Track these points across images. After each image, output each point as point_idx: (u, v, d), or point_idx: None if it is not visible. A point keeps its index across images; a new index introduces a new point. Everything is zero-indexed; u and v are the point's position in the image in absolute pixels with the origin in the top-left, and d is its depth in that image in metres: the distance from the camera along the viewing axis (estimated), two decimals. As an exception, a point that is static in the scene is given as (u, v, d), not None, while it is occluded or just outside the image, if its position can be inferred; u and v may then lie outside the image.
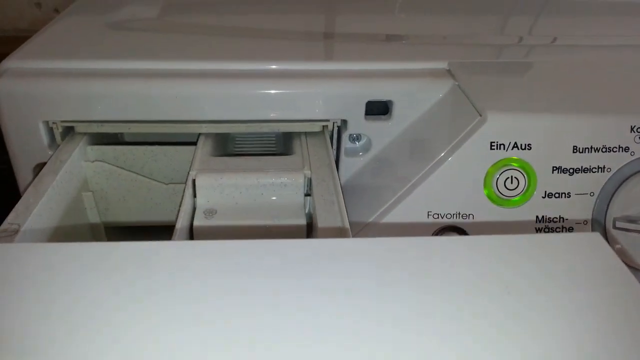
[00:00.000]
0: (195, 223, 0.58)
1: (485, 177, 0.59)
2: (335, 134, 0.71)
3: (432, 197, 0.60)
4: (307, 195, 0.62)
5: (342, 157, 0.72)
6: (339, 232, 0.52)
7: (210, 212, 0.60)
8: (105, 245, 0.38)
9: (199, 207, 0.60)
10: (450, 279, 0.34)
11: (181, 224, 0.56)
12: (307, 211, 0.62)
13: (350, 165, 0.72)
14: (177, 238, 0.53)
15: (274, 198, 0.62)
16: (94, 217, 0.68)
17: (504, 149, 0.57)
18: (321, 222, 0.53)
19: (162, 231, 0.72)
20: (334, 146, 0.72)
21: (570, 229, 0.59)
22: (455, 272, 0.35)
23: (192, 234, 0.58)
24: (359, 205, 0.66)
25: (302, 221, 0.59)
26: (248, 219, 0.59)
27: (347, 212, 0.56)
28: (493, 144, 0.58)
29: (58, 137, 0.67)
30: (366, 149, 0.71)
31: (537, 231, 0.59)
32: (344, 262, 0.36)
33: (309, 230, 0.59)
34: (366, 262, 0.36)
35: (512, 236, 0.38)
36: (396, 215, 0.60)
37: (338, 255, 0.37)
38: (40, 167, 0.65)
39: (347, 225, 0.50)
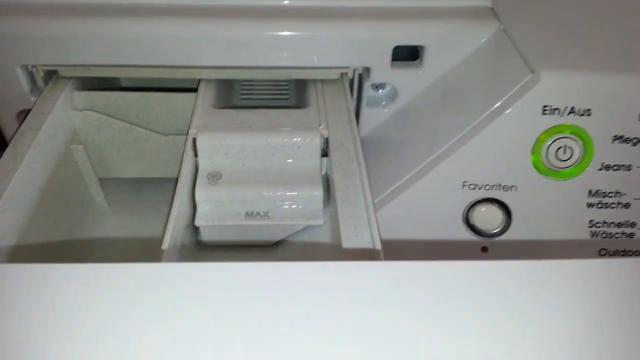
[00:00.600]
0: (198, 190, 0.51)
1: (535, 144, 0.50)
2: (356, 82, 0.62)
3: (469, 165, 0.52)
4: (324, 155, 0.55)
5: (363, 107, 0.64)
6: (365, 232, 0.45)
7: (214, 177, 0.52)
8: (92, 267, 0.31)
9: (202, 169, 0.53)
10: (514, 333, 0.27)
11: (181, 191, 0.49)
12: (323, 173, 0.55)
13: (372, 117, 0.63)
14: (177, 207, 0.47)
15: (286, 160, 0.54)
16: (87, 172, 0.61)
17: (559, 114, 0.49)
18: (340, 202, 0.45)
19: (163, 184, 0.65)
20: (354, 95, 0.64)
21: (627, 205, 0.52)
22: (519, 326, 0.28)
23: (194, 198, 0.51)
24: (380, 166, 0.58)
25: (318, 188, 0.51)
26: (257, 185, 0.52)
27: (368, 178, 0.48)
28: (546, 108, 0.49)
29: (40, 82, 0.58)
30: (391, 98, 0.62)
31: (588, 206, 0.52)
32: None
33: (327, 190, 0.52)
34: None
35: (581, 262, 0.31)
36: (425, 185, 0.53)
37: (367, 283, 0.30)
38: (24, 114, 0.57)
39: (374, 220, 0.42)
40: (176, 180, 0.50)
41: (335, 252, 0.43)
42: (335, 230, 0.45)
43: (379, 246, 0.39)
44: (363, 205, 0.45)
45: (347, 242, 0.41)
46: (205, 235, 0.52)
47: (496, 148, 0.51)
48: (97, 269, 0.31)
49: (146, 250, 0.60)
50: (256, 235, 0.53)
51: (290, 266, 0.31)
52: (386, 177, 0.56)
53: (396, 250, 0.55)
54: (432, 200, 0.53)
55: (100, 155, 0.62)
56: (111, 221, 0.63)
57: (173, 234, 0.43)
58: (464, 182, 0.52)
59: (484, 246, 0.55)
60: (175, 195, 0.47)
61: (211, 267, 0.31)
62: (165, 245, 0.40)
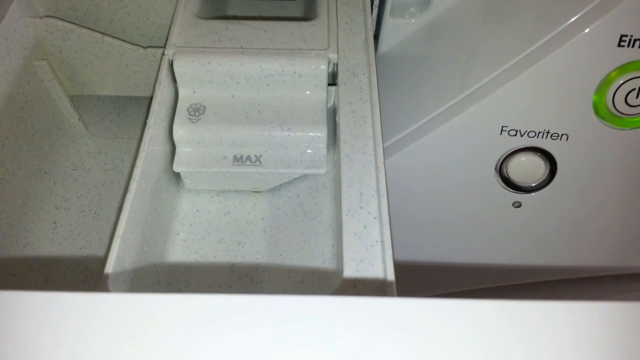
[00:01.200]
0: (177, 128, 0.42)
1: (601, 83, 0.39)
2: (378, -14, 0.50)
3: (514, 105, 0.41)
4: (331, 84, 0.44)
5: (386, 17, 0.51)
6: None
7: (196, 111, 0.43)
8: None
9: (182, 101, 0.44)
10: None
11: (154, 128, 0.40)
12: (330, 105, 0.45)
13: (396, 30, 0.52)
14: (147, 144, 0.38)
15: (285, 92, 0.44)
16: (55, 90, 0.52)
17: (641, 47, 0.37)
18: (345, 171, 0.36)
19: (142, 104, 0.56)
20: (375, 2, 0.51)
21: None
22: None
23: (172, 136, 0.42)
24: (402, 96, 0.48)
25: (322, 129, 0.42)
26: (248, 124, 0.43)
27: (381, 122, 0.39)
28: (624, 38, 0.37)
29: (-13, -19, 0.47)
30: (422, 6, 0.50)
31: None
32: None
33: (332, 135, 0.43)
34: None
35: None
36: (455, 127, 0.43)
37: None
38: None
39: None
40: (147, 112, 0.41)
41: (334, 277, 0.34)
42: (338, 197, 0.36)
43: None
44: (375, 200, 0.35)
45: (351, 268, 0.32)
46: (187, 182, 0.44)
47: (552, 84, 0.40)
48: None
49: (125, 177, 0.52)
50: (246, 183, 0.45)
51: (284, 301, 0.23)
52: (408, 111, 0.46)
53: (413, 206, 0.46)
54: (461, 146, 0.44)
55: (70, 70, 0.53)
56: (89, 146, 0.55)
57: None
58: (504, 126, 0.42)
59: (517, 201, 0.46)
60: (147, 127, 0.38)
61: (176, 300, 0.24)
62: (109, 268, 0.32)
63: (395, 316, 0.23)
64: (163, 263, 0.41)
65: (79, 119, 0.55)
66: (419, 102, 0.46)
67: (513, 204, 0.46)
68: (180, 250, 0.43)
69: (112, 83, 0.55)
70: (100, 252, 0.48)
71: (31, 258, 0.47)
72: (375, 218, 0.34)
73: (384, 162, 0.35)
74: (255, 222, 0.44)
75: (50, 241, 0.48)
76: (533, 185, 0.45)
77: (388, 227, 0.33)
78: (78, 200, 0.51)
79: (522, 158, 0.44)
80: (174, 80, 0.44)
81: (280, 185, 0.45)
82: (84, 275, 0.47)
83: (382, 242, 0.32)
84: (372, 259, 0.32)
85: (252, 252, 0.43)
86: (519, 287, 0.51)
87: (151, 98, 0.42)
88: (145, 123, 0.39)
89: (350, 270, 0.31)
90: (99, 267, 0.47)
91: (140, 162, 0.36)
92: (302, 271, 0.40)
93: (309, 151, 0.43)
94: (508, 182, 0.45)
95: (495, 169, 0.45)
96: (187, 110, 0.43)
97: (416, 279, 0.52)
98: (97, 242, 0.49)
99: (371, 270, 0.31)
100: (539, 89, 0.41)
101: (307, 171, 0.42)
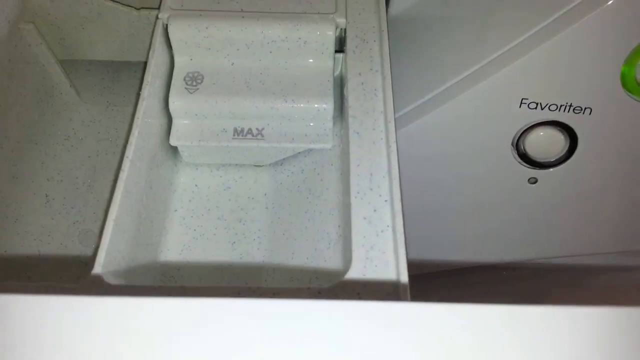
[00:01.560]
0: (173, 98, 0.39)
1: (632, 54, 0.36)
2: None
3: (536, 76, 0.39)
4: (338, 51, 0.41)
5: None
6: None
7: (193, 80, 0.40)
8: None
9: (178, 69, 0.41)
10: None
11: (148, 99, 0.37)
12: (337, 73, 0.42)
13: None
14: (141, 118, 0.35)
15: (288, 60, 0.41)
16: (44, 55, 0.49)
17: (680, 15, 0.34)
18: (354, 149, 0.33)
19: (137, 69, 0.53)
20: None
21: None
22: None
23: (168, 108, 0.39)
24: (416, 63, 0.44)
25: (328, 100, 0.39)
26: (249, 94, 0.40)
27: (393, 91, 0.36)
28: (663, 4, 0.34)
29: None
30: (435, -35, 0.46)
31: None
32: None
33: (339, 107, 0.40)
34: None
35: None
36: (471, 97, 0.40)
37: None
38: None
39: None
40: (140, 81, 0.38)
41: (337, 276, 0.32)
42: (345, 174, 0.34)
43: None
44: (386, 182, 0.32)
45: (359, 268, 0.29)
46: (185, 156, 0.42)
47: (578, 54, 0.37)
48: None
49: (119, 147, 0.50)
50: (247, 157, 0.42)
51: (293, 306, 0.21)
52: (421, 80, 0.43)
53: (423, 181, 0.44)
54: (477, 119, 0.41)
55: (59, 34, 0.49)
56: (81, 114, 0.52)
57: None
58: (524, 99, 0.39)
59: (533, 177, 0.44)
60: (141, 100, 0.35)
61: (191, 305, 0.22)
62: (101, 257, 0.30)
63: (407, 319, 0.21)
64: (161, 242, 0.39)
65: (70, 86, 0.52)
66: (433, 70, 0.43)
67: (529, 180, 0.44)
68: (179, 227, 0.41)
69: (104, 47, 0.51)
70: (96, 227, 0.46)
71: (23, 233, 0.45)
72: (386, 201, 0.31)
73: (396, 138, 0.33)
74: (256, 198, 0.42)
75: (43, 215, 0.46)
76: (551, 160, 0.43)
77: (400, 211, 0.30)
78: (71, 172, 0.49)
79: (541, 132, 0.41)
80: (169, 47, 0.41)
81: (283, 159, 0.43)
82: (79, 250, 0.45)
83: (394, 227, 0.30)
84: (382, 245, 0.30)
85: (254, 230, 0.41)
86: (530, 271, 0.49)
87: (145, 65, 0.39)
88: (138, 95, 0.36)
89: (360, 258, 0.29)
90: (94, 242, 0.45)
91: (133, 139, 0.34)
92: (306, 252, 0.38)
93: (314, 124, 0.40)
94: (524, 157, 0.43)
95: (512, 144, 0.42)
96: (184, 79, 0.40)
97: (425, 251, 0.50)
98: (92, 215, 0.47)
99: (381, 257, 0.29)
100: (563, 59, 0.38)
101: (312, 146, 0.40)
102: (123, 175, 0.32)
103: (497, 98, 0.40)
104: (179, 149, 0.41)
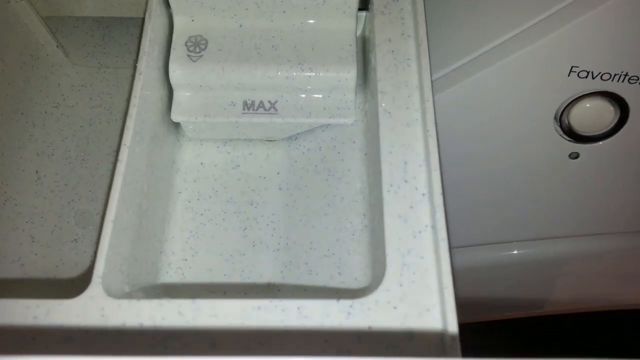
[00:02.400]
0: (173, 67, 0.34)
1: None
2: None
3: (588, 42, 0.34)
4: (361, 9, 0.36)
5: None
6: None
7: (196, 45, 0.35)
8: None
9: (179, 32, 0.36)
10: None
11: (145, 67, 0.32)
12: (359, 33, 0.37)
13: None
14: (139, 97, 0.31)
15: (305, 20, 0.36)
16: (25, 12, 0.43)
17: None
18: (385, 132, 0.29)
19: (137, 24, 0.48)
20: None
21: None
22: None
23: (168, 77, 0.35)
24: (452, 24, 0.39)
25: (351, 68, 0.34)
26: (260, 62, 0.35)
27: (430, 62, 0.31)
28: None
29: None
30: None
31: None
32: None
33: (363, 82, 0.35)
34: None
35: None
36: (515, 63, 0.35)
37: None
38: None
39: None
40: (137, 49, 0.33)
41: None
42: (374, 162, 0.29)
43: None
44: (424, 172, 0.28)
45: (395, 276, 0.25)
46: (189, 131, 0.37)
47: (631, 20, 0.32)
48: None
49: (114, 115, 0.45)
50: (257, 132, 0.38)
51: None
52: (458, 41, 0.38)
53: (456, 151, 0.40)
54: (519, 87, 0.36)
55: (41, -14, 0.43)
56: (71, 77, 0.47)
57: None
58: (574, 67, 0.34)
59: (575, 152, 0.39)
60: (133, 92, 0.31)
61: None
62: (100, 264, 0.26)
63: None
64: (165, 230, 0.35)
65: (57, 46, 0.47)
66: (470, 31, 0.37)
67: (570, 155, 0.39)
68: (184, 212, 0.37)
69: (93, 1, 0.46)
70: (92, 207, 0.42)
71: (13, 216, 0.41)
72: (423, 195, 0.27)
73: (435, 118, 0.28)
74: (269, 177, 0.38)
75: (34, 194, 0.42)
76: (597, 134, 0.39)
77: (442, 207, 0.26)
78: (62, 144, 0.45)
79: (588, 104, 0.37)
80: (168, 5, 0.35)
81: (298, 133, 0.38)
82: (75, 234, 0.41)
83: (435, 227, 0.26)
84: (421, 249, 0.26)
85: (267, 214, 0.37)
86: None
87: (140, 29, 0.33)
88: (135, 67, 0.31)
89: (395, 264, 0.26)
90: (91, 223, 0.41)
91: (131, 123, 0.29)
92: (326, 242, 0.34)
93: (333, 96, 0.35)
94: (568, 131, 0.38)
95: (555, 116, 0.38)
96: (185, 45, 0.35)
97: (458, 232, 0.47)
98: (88, 193, 0.43)
99: (420, 264, 0.26)
100: (621, 24, 0.33)
101: (331, 121, 0.35)
102: (121, 167, 0.28)
103: (544, 65, 0.35)
104: (182, 124, 0.36)
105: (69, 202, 0.42)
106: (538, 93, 0.36)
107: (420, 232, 0.26)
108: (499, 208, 0.43)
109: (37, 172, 0.43)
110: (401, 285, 0.25)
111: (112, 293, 0.26)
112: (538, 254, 0.45)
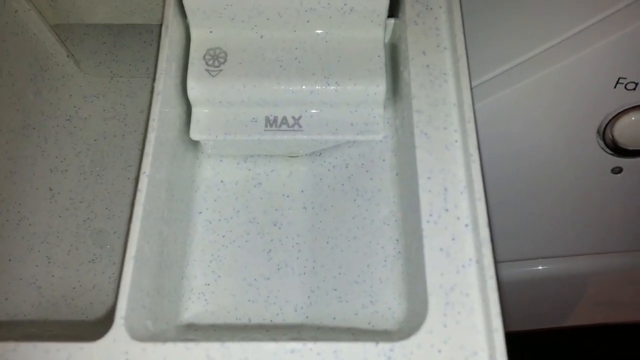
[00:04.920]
0: (191, 83, 0.32)
1: None
2: None
3: (633, 54, 0.31)
4: (391, 16, 0.34)
5: None
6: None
7: (215, 58, 0.33)
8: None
9: (197, 45, 0.34)
10: None
11: (162, 84, 0.30)
12: (387, 41, 0.35)
13: None
14: (157, 120, 0.29)
15: (330, 31, 0.34)
16: (34, 22, 0.42)
17: None
18: (422, 155, 0.27)
19: (153, 31, 0.46)
20: None
21: None
22: None
23: (186, 93, 0.33)
24: (486, 22, 0.37)
25: (380, 81, 0.32)
26: (284, 77, 0.33)
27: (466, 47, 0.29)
28: None
29: None
30: None
31: None
32: None
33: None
34: None
35: None
36: (557, 74, 0.33)
37: None
38: None
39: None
40: (155, 66, 0.31)
41: None
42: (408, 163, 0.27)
43: (498, 322, 0.22)
44: (466, 199, 0.26)
45: (438, 316, 0.23)
46: (208, 148, 0.35)
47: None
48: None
49: (129, 127, 0.43)
50: (280, 149, 0.36)
51: None
52: (496, 49, 0.35)
53: (495, 162, 0.38)
54: (561, 98, 0.34)
55: (50, -4, 0.42)
56: (83, 88, 0.46)
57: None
58: (621, 78, 0.32)
59: (618, 167, 0.37)
60: (155, 90, 0.29)
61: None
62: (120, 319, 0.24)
63: None
64: (186, 253, 0.34)
65: (67, 55, 0.45)
66: (511, 37, 0.35)
67: (612, 170, 0.37)
68: (205, 233, 0.35)
69: (104, 8, 0.44)
70: (109, 225, 0.41)
71: (28, 236, 0.39)
72: (467, 226, 0.25)
73: (478, 142, 0.26)
74: (292, 196, 0.36)
75: (49, 213, 0.40)
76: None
77: (488, 240, 0.24)
78: (76, 159, 0.43)
79: (633, 117, 0.34)
80: (184, 15, 0.33)
81: (322, 149, 0.36)
82: (92, 254, 0.40)
83: (480, 262, 0.24)
84: (465, 286, 0.24)
85: (292, 236, 0.35)
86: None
87: (158, 45, 0.32)
88: (152, 87, 0.29)
89: (437, 303, 0.24)
90: (109, 242, 0.40)
91: (150, 148, 0.27)
92: (356, 268, 0.32)
93: (361, 111, 0.33)
94: (611, 145, 0.36)
95: (597, 129, 0.35)
96: (204, 58, 0.33)
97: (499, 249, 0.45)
98: (104, 211, 0.41)
99: (465, 302, 0.24)
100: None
101: (359, 137, 0.33)
102: (141, 197, 0.26)
103: (589, 76, 0.33)
104: (201, 142, 0.34)
105: (84, 221, 0.41)
106: (581, 105, 0.34)
107: (464, 266, 0.24)
108: (537, 223, 0.41)
109: (50, 190, 0.41)
110: (445, 326, 0.23)
111: (135, 334, 0.25)
112: (576, 269, 0.43)
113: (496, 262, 0.24)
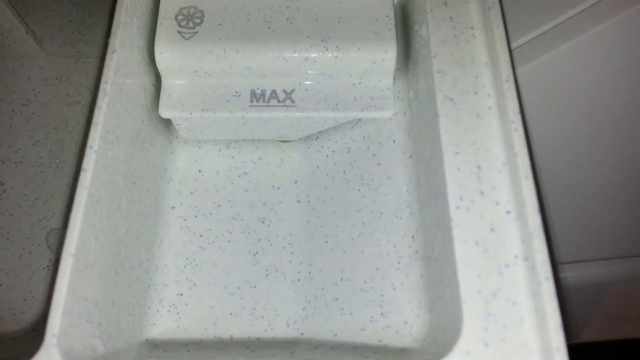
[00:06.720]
0: (160, 48, 0.27)
1: None
2: None
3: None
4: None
5: None
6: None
7: (189, 19, 0.27)
8: None
9: (167, 2, 0.28)
10: None
11: (120, 37, 0.24)
12: (396, 1, 0.29)
13: None
14: (111, 81, 0.23)
15: (327, -14, 0.28)
16: (-16, -10, 0.36)
17: None
18: (448, 125, 0.21)
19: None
20: None
21: None
22: None
23: (154, 61, 0.27)
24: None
25: (390, 46, 0.26)
26: (273, 41, 0.27)
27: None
28: None
29: None
30: None
31: None
32: None
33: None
34: None
35: None
36: (598, 36, 0.27)
37: None
38: None
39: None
40: (108, 23, 0.25)
41: None
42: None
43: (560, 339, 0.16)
44: (506, 179, 0.20)
45: (478, 330, 0.18)
46: (182, 131, 0.29)
47: None
48: None
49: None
50: (269, 131, 0.30)
51: None
52: (538, 4, 0.29)
53: (543, 140, 0.32)
54: (611, 62, 0.28)
55: (3, -41, 0.36)
56: (44, 70, 0.40)
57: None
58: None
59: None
60: (104, 74, 0.23)
61: None
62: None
63: None
64: (154, 255, 0.28)
65: (26, 32, 0.39)
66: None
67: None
68: (179, 233, 0.29)
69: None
70: (68, 225, 0.34)
71: (-30, 238, 0.33)
72: (508, 213, 0.19)
73: (521, 108, 0.21)
74: (284, 187, 0.30)
75: (-3, 211, 0.34)
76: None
77: (541, 231, 0.18)
78: (33, 149, 0.37)
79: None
80: (152, -31, 0.28)
81: (320, 131, 0.30)
82: (47, 259, 0.33)
83: (531, 259, 0.18)
84: (512, 291, 0.18)
85: (283, 234, 0.29)
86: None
87: (115, -1, 0.26)
88: (106, 44, 0.24)
89: (475, 314, 0.18)
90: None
91: (100, 117, 0.21)
92: (362, 272, 0.26)
93: (366, 82, 0.28)
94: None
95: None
96: (176, 18, 0.27)
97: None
98: (63, 209, 0.35)
99: (512, 313, 0.18)
100: None
101: (364, 115, 0.27)
102: (85, 179, 0.20)
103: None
104: (173, 121, 0.28)
105: (40, 221, 0.34)
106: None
107: (507, 266, 0.19)
108: (587, 214, 0.35)
109: (2, 184, 0.35)
110: (487, 344, 0.17)
111: (73, 357, 0.19)
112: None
113: (554, 260, 0.18)
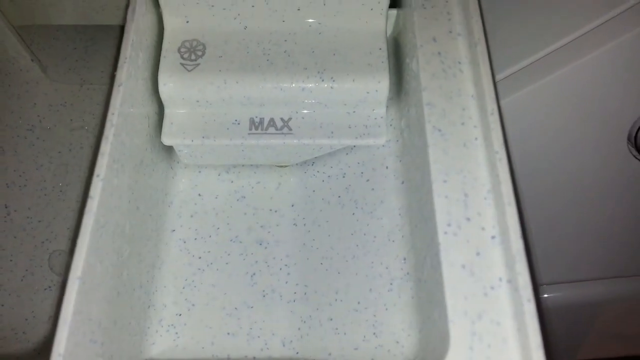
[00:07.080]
0: (164, 78, 0.28)
1: None
2: None
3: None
4: (392, 5, 0.30)
5: None
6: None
7: (191, 51, 0.29)
8: None
9: (171, 36, 0.29)
10: None
11: (127, 71, 0.25)
12: (389, 35, 0.31)
13: None
14: (117, 113, 0.24)
15: (323, 19, 0.29)
16: (-7, 20, 0.37)
17: None
18: (436, 154, 0.22)
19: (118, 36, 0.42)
20: None
21: None
22: None
23: (157, 91, 0.28)
24: (505, 10, 0.33)
25: (382, 77, 0.28)
26: (271, 72, 0.28)
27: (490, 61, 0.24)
28: None
29: None
30: None
31: None
32: None
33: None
34: None
35: None
36: (585, 67, 0.29)
37: None
38: None
39: None
40: (115, 55, 0.26)
41: None
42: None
43: None
44: (491, 206, 0.22)
45: (462, 351, 0.19)
46: (184, 157, 0.31)
47: None
48: None
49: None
50: (267, 157, 0.31)
51: None
52: (518, 39, 0.31)
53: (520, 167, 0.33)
54: (588, 97, 0.30)
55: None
56: (49, 96, 0.41)
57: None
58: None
59: (650, 175, 0.33)
60: (111, 105, 0.24)
61: None
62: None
63: None
64: (154, 277, 0.29)
65: (32, 60, 0.41)
66: (534, 27, 0.31)
67: (644, 179, 0.33)
68: (178, 254, 0.30)
69: (73, 7, 0.40)
70: (70, 247, 0.35)
71: (-26, 260, 0.34)
72: (493, 238, 0.21)
73: (505, 139, 0.22)
74: (281, 211, 0.31)
75: (2, 234, 0.35)
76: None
77: (523, 255, 0.20)
78: (37, 173, 0.38)
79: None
80: (157, 4, 0.29)
81: (316, 157, 0.32)
82: (49, 280, 0.34)
83: (514, 282, 0.19)
84: (496, 312, 0.19)
85: (280, 256, 0.30)
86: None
87: (121, 32, 0.27)
88: (113, 76, 0.25)
89: (461, 334, 0.19)
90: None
91: (107, 147, 0.22)
92: (357, 293, 0.27)
93: (360, 111, 0.29)
94: (641, 150, 0.32)
95: (630, 136, 0.31)
96: (179, 51, 0.29)
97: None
98: (66, 232, 0.36)
99: (497, 333, 0.19)
100: None
101: (358, 142, 0.29)
102: (92, 205, 0.21)
103: (622, 69, 0.28)
104: (175, 148, 0.30)
105: (42, 242, 0.35)
106: (612, 105, 0.30)
107: (492, 288, 0.20)
108: (566, 237, 0.36)
109: (6, 207, 0.36)
110: (473, 364, 0.18)
111: (78, 376, 0.20)
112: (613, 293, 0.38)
113: (536, 283, 0.19)
